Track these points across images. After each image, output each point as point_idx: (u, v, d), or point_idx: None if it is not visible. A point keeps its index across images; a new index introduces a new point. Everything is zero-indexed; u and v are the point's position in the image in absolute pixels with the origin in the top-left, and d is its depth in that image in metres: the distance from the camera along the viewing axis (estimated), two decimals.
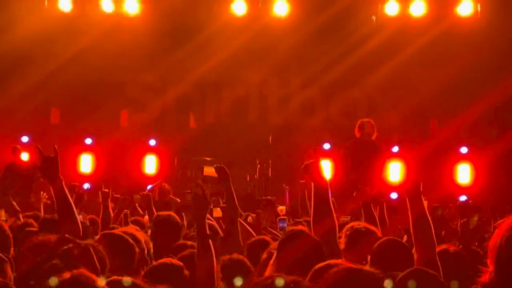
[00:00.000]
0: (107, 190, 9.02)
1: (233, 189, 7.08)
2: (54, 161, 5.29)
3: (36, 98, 17.08)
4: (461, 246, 8.00)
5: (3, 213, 9.28)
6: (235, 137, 17.25)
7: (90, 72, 17.38)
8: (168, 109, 18.08)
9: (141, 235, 6.22)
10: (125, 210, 9.35)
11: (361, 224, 6.12)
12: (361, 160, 12.50)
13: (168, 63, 17.32)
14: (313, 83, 17.77)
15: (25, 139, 16.38)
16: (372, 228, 6.10)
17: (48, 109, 17.27)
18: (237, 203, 6.94)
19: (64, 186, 5.32)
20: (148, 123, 17.60)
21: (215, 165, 7.39)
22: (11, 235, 5.76)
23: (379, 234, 6.00)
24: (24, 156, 15.38)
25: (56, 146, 5.38)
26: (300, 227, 7.12)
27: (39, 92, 17.10)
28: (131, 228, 6.80)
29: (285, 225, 9.56)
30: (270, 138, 17.07)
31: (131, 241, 5.49)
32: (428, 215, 4.87)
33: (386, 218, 9.43)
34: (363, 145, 12.79)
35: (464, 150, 16.13)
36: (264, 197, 13.57)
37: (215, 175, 7.27)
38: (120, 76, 17.79)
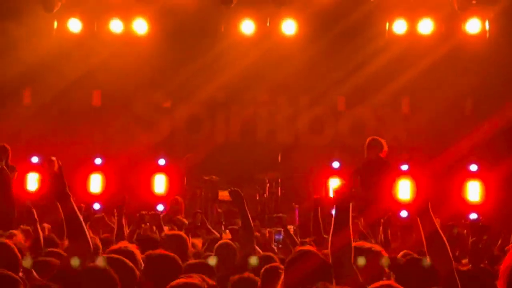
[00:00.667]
0: (121, 206, 9.06)
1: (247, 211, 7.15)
2: (60, 177, 5.26)
3: (45, 118, 17.16)
4: (471, 265, 7.99)
5: (18, 233, 9.28)
6: (244, 156, 17.26)
7: (98, 91, 17.48)
8: (177, 128, 18.12)
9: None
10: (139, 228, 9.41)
11: (365, 244, 6.10)
12: (370, 179, 12.47)
13: (177, 82, 17.39)
14: (322, 102, 17.80)
15: (35, 159, 16.42)
16: (377, 247, 6.07)
17: (57, 129, 17.30)
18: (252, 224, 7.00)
19: (74, 203, 5.28)
20: (157, 142, 17.62)
21: (229, 189, 7.48)
22: (19, 255, 5.73)
23: (384, 253, 5.96)
24: (33, 177, 15.46)
25: (59, 161, 5.34)
26: (307, 247, 7.12)
27: (48, 112, 17.19)
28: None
29: (281, 237, 9.58)
30: (279, 157, 17.08)
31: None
32: (441, 232, 4.85)
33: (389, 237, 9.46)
34: (372, 163, 12.77)
35: (473, 167, 16.09)
36: (275, 215, 13.59)
37: (230, 198, 7.34)
38: (129, 95, 17.87)
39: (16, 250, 5.67)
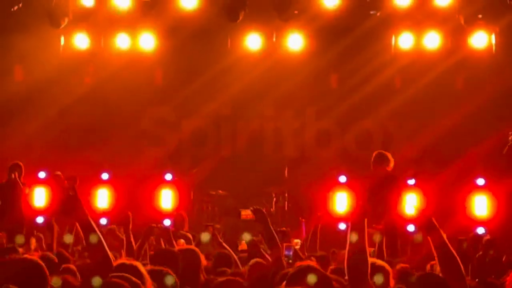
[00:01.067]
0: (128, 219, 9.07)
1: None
2: (75, 198, 5.29)
3: (52, 132, 17.21)
4: (477, 280, 7.97)
5: (33, 241, 9.28)
6: (251, 170, 17.26)
7: (105, 106, 17.54)
8: (183, 143, 18.15)
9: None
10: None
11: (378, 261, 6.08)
12: (378, 193, 12.44)
13: (184, 97, 17.44)
14: (328, 115, 17.81)
15: (42, 174, 16.44)
16: (382, 263, 6.05)
17: (64, 144, 17.34)
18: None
19: (90, 218, 5.29)
20: (164, 156, 17.66)
21: (251, 208, 7.52)
22: (47, 273, 5.68)
23: (388, 269, 5.95)
24: (41, 192, 15.48)
25: (75, 186, 5.36)
26: (307, 262, 7.13)
27: (55, 127, 17.24)
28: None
29: (291, 253, 9.55)
30: (286, 171, 17.09)
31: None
32: (449, 245, 4.84)
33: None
34: (379, 178, 12.74)
35: (481, 181, 16.04)
36: (279, 229, 13.54)
37: (253, 217, 7.36)
38: (135, 110, 17.92)
39: (45, 269, 5.64)
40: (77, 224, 5.34)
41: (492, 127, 16.62)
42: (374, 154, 12.91)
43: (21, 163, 13.68)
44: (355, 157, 17.34)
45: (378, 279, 5.32)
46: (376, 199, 12.54)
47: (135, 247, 9.13)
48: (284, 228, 11.60)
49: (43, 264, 5.44)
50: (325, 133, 18.06)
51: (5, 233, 9.78)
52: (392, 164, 12.81)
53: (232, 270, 7.77)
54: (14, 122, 16.98)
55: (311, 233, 13.86)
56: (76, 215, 5.27)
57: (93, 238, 5.22)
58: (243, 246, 8.88)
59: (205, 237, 5.56)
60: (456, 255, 4.84)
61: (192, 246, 7.75)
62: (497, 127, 16.46)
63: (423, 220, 4.89)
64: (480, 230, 14.58)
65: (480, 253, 9.65)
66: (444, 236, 4.92)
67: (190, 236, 11.98)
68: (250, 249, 8.13)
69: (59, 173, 14.67)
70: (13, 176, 13.61)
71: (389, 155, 12.85)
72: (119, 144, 17.30)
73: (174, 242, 9.28)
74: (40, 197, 16.31)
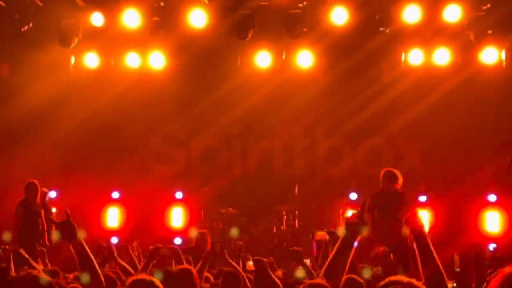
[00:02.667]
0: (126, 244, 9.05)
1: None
2: (69, 223, 5.40)
3: (62, 151, 17.24)
4: None
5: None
6: (261, 188, 17.21)
7: (114, 125, 17.59)
8: (193, 161, 18.15)
9: None
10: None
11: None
12: (386, 210, 12.39)
13: (193, 115, 17.46)
14: (338, 132, 17.78)
15: (53, 194, 16.48)
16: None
17: (74, 163, 17.36)
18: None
19: (84, 243, 5.39)
20: (174, 175, 17.66)
21: (325, 230, 7.63)
22: None
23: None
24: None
25: (67, 211, 5.49)
26: (317, 280, 7.07)
27: (65, 146, 17.27)
28: None
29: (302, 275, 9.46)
30: (296, 189, 17.05)
31: None
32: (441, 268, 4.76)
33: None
34: (387, 195, 12.65)
35: (492, 198, 15.98)
36: (290, 248, 13.48)
37: (327, 237, 7.41)
38: (145, 129, 17.95)
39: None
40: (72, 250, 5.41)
41: (502, 142, 16.57)
42: (382, 172, 12.84)
43: (37, 182, 13.80)
44: (365, 174, 17.28)
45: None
46: (386, 216, 12.52)
47: (139, 267, 9.07)
48: (295, 248, 11.54)
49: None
50: (335, 150, 18.01)
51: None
52: (401, 181, 12.74)
53: None
54: (24, 141, 17.01)
55: (322, 251, 13.78)
56: (71, 240, 5.36)
57: (83, 278, 5.33)
58: (250, 266, 8.80)
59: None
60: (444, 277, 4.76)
61: (188, 266, 7.65)
62: (508, 142, 16.43)
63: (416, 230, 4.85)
64: (492, 246, 14.51)
65: (491, 270, 9.55)
66: (433, 251, 4.83)
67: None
68: (257, 268, 8.02)
69: (45, 189, 14.73)
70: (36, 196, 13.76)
71: (398, 173, 12.77)
72: (129, 163, 17.31)
73: (185, 262, 9.18)
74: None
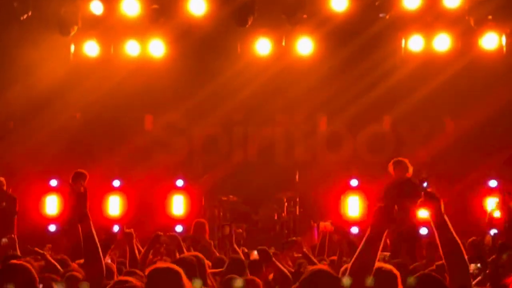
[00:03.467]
0: (130, 231, 9.02)
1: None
2: (84, 198, 5.35)
3: (62, 140, 17.23)
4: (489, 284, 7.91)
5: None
6: (262, 175, 17.21)
7: (115, 113, 17.58)
8: (194, 149, 18.14)
9: None
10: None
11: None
12: (401, 200, 12.46)
13: (194, 103, 17.44)
14: (339, 119, 17.76)
15: (54, 182, 16.49)
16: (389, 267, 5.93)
17: (74, 152, 17.33)
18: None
19: (92, 226, 5.35)
20: (175, 163, 17.64)
21: (330, 221, 7.72)
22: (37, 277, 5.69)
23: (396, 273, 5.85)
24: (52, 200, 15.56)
25: (84, 184, 5.44)
26: (320, 265, 7.06)
27: (65, 135, 17.27)
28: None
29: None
30: (297, 176, 17.05)
31: None
32: (461, 245, 4.81)
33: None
34: (401, 184, 12.75)
35: (493, 183, 15.98)
36: (289, 239, 13.50)
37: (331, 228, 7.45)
38: (146, 117, 17.95)
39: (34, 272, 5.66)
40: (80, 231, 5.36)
41: (503, 129, 16.56)
42: (392, 162, 12.87)
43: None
44: (366, 161, 17.29)
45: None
46: (400, 207, 12.54)
47: (139, 256, 9.06)
48: (294, 238, 11.54)
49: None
50: (336, 137, 18.00)
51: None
52: (411, 170, 12.82)
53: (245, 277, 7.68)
54: (24, 129, 17.02)
55: (320, 239, 13.80)
56: (82, 220, 5.31)
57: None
58: (254, 256, 8.78)
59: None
60: (465, 255, 4.80)
61: (170, 264, 7.55)
62: (509, 128, 16.42)
63: (436, 217, 4.88)
64: (493, 231, 14.50)
65: (494, 256, 9.56)
66: (454, 233, 4.88)
67: (211, 243, 11.74)
68: (261, 257, 8.02)
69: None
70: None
71: (407, 161, 12.83)
72: (130, 151, 17.30)
73: (185, 250, 9.19)
74: (51, 205, 16.40)
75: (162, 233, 9.60)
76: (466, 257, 4.83)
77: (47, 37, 16.17)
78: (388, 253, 10.46)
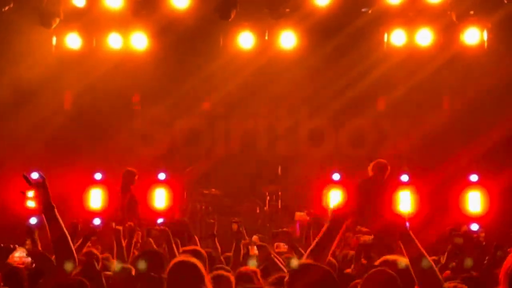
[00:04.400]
0: (119, 228, 8.99)
1: None
2: (43, 186, 5.18)
3: (44, 133, 17.14)
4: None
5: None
6: (244, 169, 17.24)
7: (97, 106, 17.52)
8: (177, 142, 18.11)
9: None
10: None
11: None
12: (371, 197, 12.81)
13: (177, 97, 17.42)
14: (321, 113, 17.80)
15: (35, 175, 16.37)
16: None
17: (56, 145, 17.25)
18: None
19: (58, 215, 5.18)
20: (157, 156, 17.58)
21: (306, 211, 7.59)
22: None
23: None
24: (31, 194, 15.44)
25: (41, 173, 5.30)
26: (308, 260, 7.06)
27: (46, 128, 17.18)
28: None
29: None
30: (279, 169, 17.06)
31: None
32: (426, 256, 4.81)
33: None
34: (374, 184, 13.04)
35: (474, 178, 16.07)
36: (279, 229, 13.52)
37: (306, 218, 7.37)
38: (128, 110, 17.90)
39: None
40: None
41: (485, 123, 16.64)
42: (373, 163, 13.09)
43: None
44: (348, 155, 17.34)
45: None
46: (368, 201, 12.87)
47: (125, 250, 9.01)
48: (285, 229, 11.53)
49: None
50: (318, 131, 18.03)
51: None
52: (389, 172, 13.10)
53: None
54: (7, 123, 16.92)
55: (305, 232, 13.85)
56: (46, 210, 5.22)
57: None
58: (254, 251, 8.78)
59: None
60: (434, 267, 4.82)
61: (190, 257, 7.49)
62: (490, 122, 16.50)
63: (399, 228, 4.89)
64: (474, 227, 14.60)
65: (488, 257, 9.63)
66: (420, 247, 4.88)
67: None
68: (261, 253, 8.02)
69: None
70: None
71: (387, 164, 13.12)
72: (112, 144, 17.25)
73: (174, 245, 9.09)
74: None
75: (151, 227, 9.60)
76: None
77: (29, 30, 16.08)
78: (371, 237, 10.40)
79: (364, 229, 12.20)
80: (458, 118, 17.07)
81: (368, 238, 9.59)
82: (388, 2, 15.78)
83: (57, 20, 15.82)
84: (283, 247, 10.42)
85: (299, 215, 13.06)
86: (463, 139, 16.84)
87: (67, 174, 15.86)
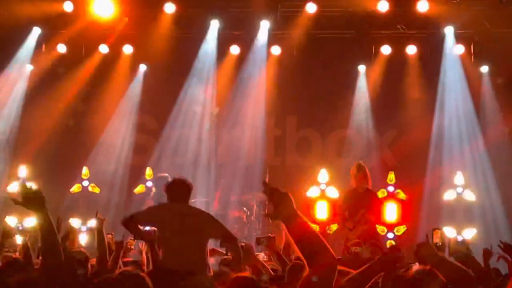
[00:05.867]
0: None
1: None
2: (39, 193, 5.21)
3: (35, 141, 17.12)
4: None
5: None
6: (231, 178, 17.23)
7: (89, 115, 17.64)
8: (164, 151, 18.07)
9: None
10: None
11: None
12: (356, 208, 12.93)
13: (165, 105, 17.52)
14: (309, 123, 17.86)
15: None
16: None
17: (45, 152, 17.21)
18: None
19: (49, 216, 5.20)
20: (144, 164, 17.55)
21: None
22: None
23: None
24: None
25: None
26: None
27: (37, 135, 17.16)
28: None
29: None
30: (267, 178, 17.08)
31: None
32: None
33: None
34: (358, 193, 13.17)
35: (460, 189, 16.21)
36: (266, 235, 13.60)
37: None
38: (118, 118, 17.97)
39: None
40: None
41: (470, 135, 16.85)
42: (354, 171, 13.21)
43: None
44: (335, 165, 17.36)
45: None
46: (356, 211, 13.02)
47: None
48: (270, 235, 11.58)
49: None
50: (305, 140, 18.06)
51: None
52: (370, 180, 13.31)
53: None
54: None
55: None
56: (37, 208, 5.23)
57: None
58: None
59: None
60: None
61: None
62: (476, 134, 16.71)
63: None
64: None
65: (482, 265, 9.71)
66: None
67: None
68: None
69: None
70: None
71: (368, 173, 13.25)
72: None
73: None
74: None
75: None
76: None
77: None
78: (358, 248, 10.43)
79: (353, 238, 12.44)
80: (442, 129, 17.26)
81: (358, 248, 9.69)
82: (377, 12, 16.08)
83: None
84: (262, 258, 10.50)
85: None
86: (448, 150, 17.02)
87: (57, 182, 15.94)
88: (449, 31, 16.65)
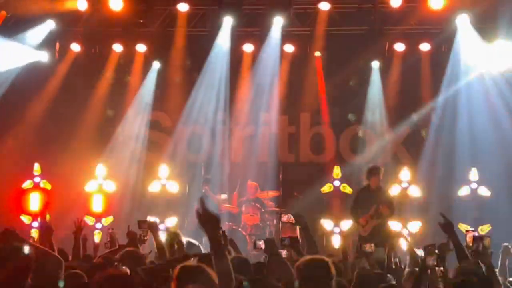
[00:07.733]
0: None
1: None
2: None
3: (38, 140, 17.17)
4: None
5: None
6: (246, 176, 17.20)
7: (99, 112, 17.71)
8: (178, 148, 18.09)
9: None
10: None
11: None
12: (370, 204, 13.04)
13: (179, 103, 17.55)
14: (323, 120, 17.84)
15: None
16: None
17: (52, 146, 17.25)
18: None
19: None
20: (158, 161, 17.58)
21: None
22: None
23: None
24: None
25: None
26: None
27: (42, 134, 17.21)
28: None
29: None
30: (281, 176, 17.07)
31: None
32: None
33: None
34: (371, 190, 13.28)
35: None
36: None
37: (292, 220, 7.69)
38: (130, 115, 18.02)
39: None
40: None
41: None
42: (369, 168, 13.69)
43: None
44: (349, 162, 17.33)
45: None
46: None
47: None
48: (289, 235, 11.57)
49: None
50: (319, 137, 18.02)
51: None
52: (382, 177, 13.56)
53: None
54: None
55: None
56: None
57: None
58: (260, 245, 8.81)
59: None
60: None
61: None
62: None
63: None
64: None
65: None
66: None
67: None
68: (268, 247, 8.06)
69: None
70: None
71: (382, 170, 13.57)
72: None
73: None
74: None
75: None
76: None
77: None
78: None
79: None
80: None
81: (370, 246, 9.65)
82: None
83: None
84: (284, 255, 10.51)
85: (286, 217, 13.28)
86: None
87: (60, 183, 16.02)
88: (462, 23, 16.47)
